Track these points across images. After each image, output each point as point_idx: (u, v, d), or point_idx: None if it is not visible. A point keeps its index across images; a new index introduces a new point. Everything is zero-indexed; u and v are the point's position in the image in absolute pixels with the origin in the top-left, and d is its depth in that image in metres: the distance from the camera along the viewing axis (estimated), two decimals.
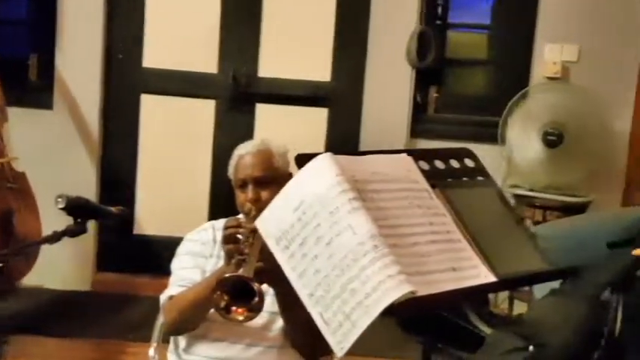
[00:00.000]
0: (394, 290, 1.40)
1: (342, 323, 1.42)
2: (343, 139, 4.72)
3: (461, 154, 1.84)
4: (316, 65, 4.75)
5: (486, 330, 3.91)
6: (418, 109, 4.84)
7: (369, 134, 4.72)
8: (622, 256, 3.63)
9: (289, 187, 1.54)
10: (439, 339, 3.94)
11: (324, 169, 1.53)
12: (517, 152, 4.64)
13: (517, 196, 4.64)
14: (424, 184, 1.67)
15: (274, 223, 1.53)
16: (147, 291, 4.37)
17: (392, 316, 1.40)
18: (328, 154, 1.55)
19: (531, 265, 1.65)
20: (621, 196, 4.82)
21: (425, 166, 1.73)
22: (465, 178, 1.79)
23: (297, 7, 4.74)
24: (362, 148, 4.61)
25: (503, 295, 4.62)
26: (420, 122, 4.84)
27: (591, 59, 4.73)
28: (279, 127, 4.69)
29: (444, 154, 1.80)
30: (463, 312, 4.01)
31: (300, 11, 4.74)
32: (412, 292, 1.41)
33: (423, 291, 1.44)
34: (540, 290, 3.73)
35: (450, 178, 1.76)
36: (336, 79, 4.76)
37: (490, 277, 1.56)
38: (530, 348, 3.25)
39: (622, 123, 4.71)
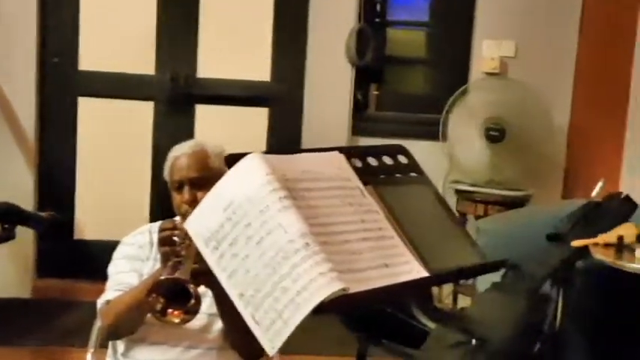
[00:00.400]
0: (325, 288, 1.39)
1: (273, 322, 1.41)
2: (284, 139, 4.72)
3: (394, 151, 1.84)
4: (255, 65, 4.73)
5: (430, 325, 3.94)
6: (359, 108, 4.86)
7: (310, 133, 4.73)
8: (561, 248, 3.70)
9: (218, 187, 1.53)
10: (383, 335, 3.96)
11: (254, 169, 1.52)
12: (459, 148, 4.69)
13: (459, 192, 4.69)
14: (356, 181, 1.67)
15: (204, 223, 1.52)
16: (88, 296, 4.26)
17: (324, 313, 1.40)
18: (258, 154, 1.54)
19: (464, 259, 1.66)
20: (561, 190, 4.90)
21: (357, 163, 1.73)
22: (398, 175, 1.80)
23: (234, 7, 4.71)
24: (304, 147, 4.61)
25: (448, 289, 4.67)
26: (361, 120, 4.86)
27: (528, 54, 4.81)
28: (219, 128, 4.66)
29: (377, 151, 1.80)
30: (407, 307, 4.04)
31: (238, 11, 4.72)
32: (343, 290, 1.41)
33: (354, 288, 1.44)
34: (483, 284, 3.78)
35: (382, 175, 1.76)
36: (276, 79, 4.76)
37: (422, 273, 1.56)
38: (473, 342, 3.30)
39: (561, 117, 4.79)
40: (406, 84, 5.21)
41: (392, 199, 1.68)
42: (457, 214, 4.70)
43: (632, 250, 3.37)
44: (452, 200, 4.75)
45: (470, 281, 4.37)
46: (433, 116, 4.79)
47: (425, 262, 1.58)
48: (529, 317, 3.54)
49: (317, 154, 1.71)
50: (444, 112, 4.65)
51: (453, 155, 4.71)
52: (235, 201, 1.50)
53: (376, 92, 4.95)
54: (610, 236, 3.49)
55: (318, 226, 1.50)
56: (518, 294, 3.60)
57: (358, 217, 1.59)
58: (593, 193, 4.04)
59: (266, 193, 1.49)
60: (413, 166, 1.83)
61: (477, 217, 4.50)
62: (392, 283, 1.52)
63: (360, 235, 1.56)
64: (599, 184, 4.06)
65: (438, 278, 1.58)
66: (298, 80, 4.73)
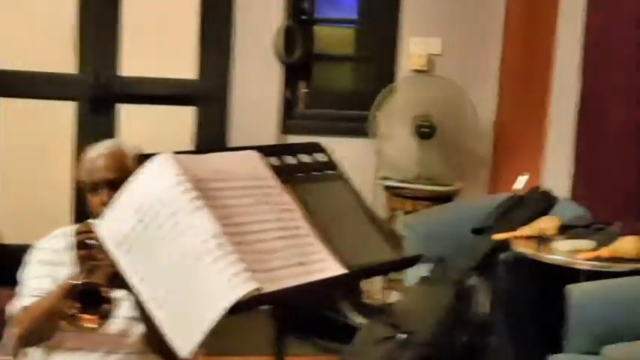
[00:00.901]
0: (239, 288, 1.39)
1: (187, 322, 1.40)
2: (212, 139, 4.67)
3: (312, 149, 1.84)
4: (181, 63, 4.68)
5: (360, 320, 3.97)
6: (288, 106, 4.85)
7: (238, 132, 4.69)
8: (485, 241, 3.77)
9: (129, 189, 1.51)
10: (313, 332, 3.98)
11: (165, 169, 1.50)
12: (388, 145, 4.72)
13: (388, 188, 4.72)
14: (273, 180, 1.66)
15: (114, 226, 1.50)
16: (5, 303, 4.18)
17: (238, 313, 1.39)
18: (168, 154, 1.52)
19: (380, 255, 1.67)
20: (487, 184, 4.98)
21: (274, 161, 1.73)
22: (315, 173, 1.80)
23: (159, 3, 4.65)
24: (232, 146, 4.57)
25: (378, 285, 4.69)
26: (290, 118, 4.85)
27: (455, 52, 4.86)
28: (143, 128, 4.59)
29: (295, 150, 1.80)
30: (336, 304, 4.06)
31: (163, 8, 4.66)
32: (257, 289, 1.40)
33: (269, 287, 1.44)
34: (412, 279, 3.83)
35: (300, 173, 1.76)
36: (203, 77, 4.71)
37: (338, 270, 1.57)
38: (401, 335, 3.33)
39: (486, 113, 4.86)
40: (335, 81, 5.22)
41: (309, 197, 1.68)
42: (386, 211, 4.75)
43: (553, 242, 3.45)
44: (381, 196, 4.78)
45: (399, 276, 4.41)
46: (362, 113, 4.81)
47: (341, 259, 1.59)
48: (456, 309, 3.60)
49: (232, 153, 1.70)
50: (373, 109, 4.67)
51: (382, 152, 4.74)
52: (146, 203, 1.48)
53: (305, 90, 4.94)
54: (532, 229, 3.56)
55: (231, 226, 1.49)
56: (445, 287, 3.66)
57: (274, 215, 1.59)
58: (517, 188, 4.13)
59: (177, 194, 1.48)
60: (331, 163, 1.84)
61: (406, 213, 4.54)
62: (307, 282, 1.52)
63: (275, 233, 1.56)
64: (523, 179, 4.15)
65: (353, 275, 1.59)
66: (225, 78, 4.69)
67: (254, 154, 1.68)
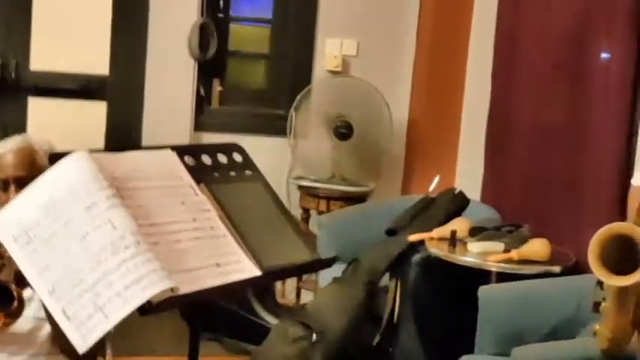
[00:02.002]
0: (154, 285, 1.38)
1: (91, 316, 1.38)
2: (124, 135, 4.58)
3: (229, 149, 1.84)
4: (93, 57, 4.58)
5: (272, 321, 3.97)
6: (202, 103, 4.80)
7: (151, 128, 4.62)
8: (399, 242, 3.82)
9: (38, 184, 1.48)
10: (226, 333, 3.95)
11: (81, 167, 1.48)
12: (303, 144, 4.73)
13: (302, 187, 4.72)
14: (189, 179, 1.65)
15: (13, 220, 1.48)
16: None
17: (150, 313, 1.38)
18: (84, 152, 1.50)
19: (296, 256, 1.67)
20: (401, 185, 5.04)
21: (191, 161, 1.71)
22: (232, 173, 1.79)
23: None
24: (144, 142, 4.51)
25: (292, 285, 4.70)
26: (204, 115, 4.80)
27: (370, 53, 4.90)
28: (54, 122, 4.48)
29: (211, 150, 1.79)
30: (249, 304, 4.04)
31: (75, 1, 4.54)
32: (172, 289, 1.39)
33: (184, 288, 1.43)
34: (326, 279, 3.85)
35: (216, 173, 1.75)
36: (115, 72, 4.61)
37: (255, 271, 1.57)
38: (313, 335, 3.34)
39: (400, 114, 4.92)
40: (250, 80, 5.20)
41: (225, 197, 1.67)
42: (300, 210, 4.76)
43: (465, 244, 3.52)
44: (295, 196, 4.79)
45: (313, 276, 4.43)
46: (277, 112, 4.81)
47: (257, 260, 1.59)
48: (368, 309, 3.63)
49: (148, 152, 1.68)
50: (292, 109, 4.67)
51: (297, 151, 4.75)
52: (57, 197, 1.46)
53: (220, 88, 4.90)
54: (444, 230, 3.63)
55: (148, 226, 1.47)
56: (357, 287, 3.69)
57: (190, 215, 1.58)
58: (430, 189, 4.19)
59: (94, 191, 1.46)
60: (248, 164, 1.84)
61: (320, 213, 4.55)
62: (223, 283, 1.51)
63: (191, 234, 1.55)
64: (436, 180, 4.21)
65: (269, 276, 1.59)
66: (139, 74, 4.61)
67: (171, 154, 1.66)
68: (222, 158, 1.77)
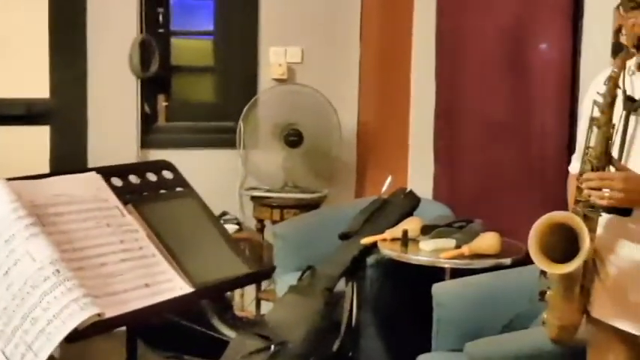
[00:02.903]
0: (78, 314, 1.35)
1: (24, 355, 1.35)
2: (69, 158, 4.49)
3: (158, 167, 1.82)
4: (31, 81, 4.50)
5: (230, 334, 3.93)
6: (148, 120, 4.75)
7: (96, 150, 4.55)
8: (352, 246, 3.81)
9: None
10: (185, 350, 3.91)
11: None
12: (254, 155, 4.71)
13: (255, 198, 4.70)
14: (115, 201, 1.63)
15: None
16: None
17: (77, 340, 1.35)
18: (1, 181, 1.46)
19: (231, 270, 1.66)
20: (354, 189, 5.04)
21: (118, 182, 1.69)
22: (162, 191, 1.77)
23: (5, 20, 4.45)
24: (91, 164, 4.42)
25: (250, 296, 4.67)
26: (150, 133, 4.75)
27: (315, 60, 4.90)
28: None
29: (140, 169, 1.78)
30: (206, 318, 4.01)
31: (8, 23, 4.45)
32: (99, 315, 1.37)
33: (112, 311, 1.41)
34: (282, 289, 3.83)
35: (145, 192, 1.73)
36: (56, 95, 4.53)
37: (186, 289, 1.55)
38: (272, 347, 3.32)
39: (349, 118, 4.92)
40: (196, 93, 5.16)
41: (155, 217, 1.66)
42: (255, 221, 4.73)
43: (417, 243, 3.53)
44: (249, 207, 4.77)
45: (271, 286, 4.40)
46: (226, 124, 4.78)
47: (189, 277, 1.57)
48: (327, 316, 3.62)
49: (71, 176, 1.65)
50: (240, 120, 4.64)
51: (248, 162, 4.73)
52: None
53: (165, 103, 4.85)
54: (396, 231, 3.63)
55: (71, 252, 1.45)
56: (314, 294, 3.67)
57: (117, 238, 1.56)
58: (382, 190, 4.20)
59: (11, 221, 1.43)
60: (179, 180, 1.82)
61: (274, 222, 4.53)
62: (153, 303, 1.49)
63: (118, 256, 1.53)
64: (387, 181, 4.22)
65: (202, 292, 1.57)
66: (80, 95, 4.54)
67: (95, 176, 1.64)
68: (151, 177, 1.76)
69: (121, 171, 1.71)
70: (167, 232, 1.62)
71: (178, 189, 1.79)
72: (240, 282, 1.64)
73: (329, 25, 4.91)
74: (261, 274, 1.76)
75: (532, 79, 3.56)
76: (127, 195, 1.65)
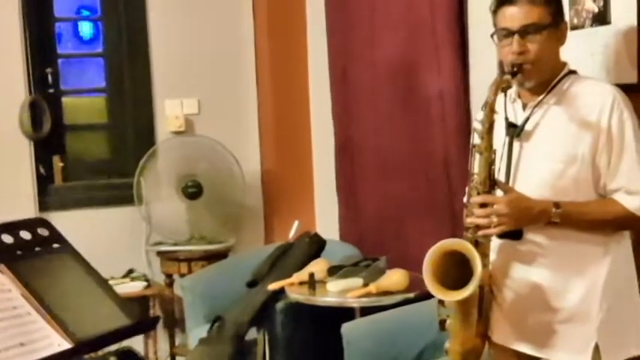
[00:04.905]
0: None
1: None
2: None
3: (32, 225, 1.76)
4: None
5: None
6: (44, 182, 4.62)
7: None
8: (260, 292, 3.77)
9: None
10: None
11: None
12: (156, 209, 4.64)
13: (161, 253, 4.62)
14: None
15: None
16: None
17: None
18: None
19: (113, 323, 1.60)
20: (263, 236, 5.01)
21: None
22: (38, 249, 1.71)
23: None
24: None
25: (165, 352, 4.58)
26: (47, 194, 4.62)
27: (212, 110, 4.88)
28: None
29: (13, 227, 1.72)
30: None
31: None
32: None
33: None
34: (194, 341, 3.75)
35: (19, 251, 1.67)
36: None
37: (65, 345, 1.49)
38: None
39: (252, 166, 4.90)
40: (92, 151, 5.05)
41: (29, 275, 1.60)
42: (163, 276, 4.64)
43: (325, 284, 3.51)
44: (156, 262, 4.67)
45: (184, 340, 4.31)
46: (125, 180, 4.69)
47: (68, 333, 1.51)
48: None
49: None
50: (137, 175, 4.56)
51: (151, 217, 4.64)
52: None
53: (61, 164, 4.74)
54: (303, 274, 3.61)
55: None
56: (224, 343, 3.61)
57: None
58: (290, 235, 4.18)
59: None
60: (55, 237, 1.77)
61: (183, 276, 4.45)
62: None
63: None
64: (295, 226, 4.21)
65: (83, 347, 1.51)
66: None
67: None
68: (25, 235, 1.70)
69: None
70: (44, 289, 1.56)
71: (55, 245, 1.73)
72: (122, 334, 1.58)
73: (224, 74, 4.90)
74: (144, 324, 1.71)
75: (425, 113, 3.59)
76: None
